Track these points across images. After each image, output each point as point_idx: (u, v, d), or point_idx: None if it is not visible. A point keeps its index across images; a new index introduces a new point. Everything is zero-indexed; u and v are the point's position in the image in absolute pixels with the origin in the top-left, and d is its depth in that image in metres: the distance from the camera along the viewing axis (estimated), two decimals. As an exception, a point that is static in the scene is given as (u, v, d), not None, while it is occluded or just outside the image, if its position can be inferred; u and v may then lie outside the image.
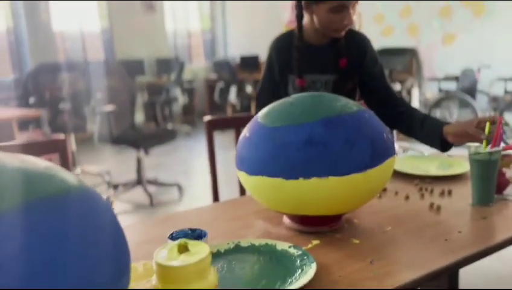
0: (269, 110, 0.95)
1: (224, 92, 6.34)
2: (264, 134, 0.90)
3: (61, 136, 2.62)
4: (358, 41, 1.41)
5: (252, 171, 0.90)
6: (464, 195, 1.14)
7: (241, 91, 6.32)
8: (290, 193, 0.86)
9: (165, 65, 6.71)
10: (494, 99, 4.83)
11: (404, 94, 4.50)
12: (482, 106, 4.83)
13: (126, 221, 3.20)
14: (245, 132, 0.96)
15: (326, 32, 1.32)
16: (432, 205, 1.08)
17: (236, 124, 1.68)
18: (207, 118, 1.72)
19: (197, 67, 7.50)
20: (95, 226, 0.47)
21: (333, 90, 1.38)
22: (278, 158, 0.85)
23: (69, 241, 0.43)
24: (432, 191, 1.19)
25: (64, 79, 4.22)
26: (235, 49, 7.68)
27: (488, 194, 1.06)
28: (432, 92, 5.27)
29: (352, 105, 0.92)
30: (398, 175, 1.32)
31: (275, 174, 0.86)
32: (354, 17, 1.27)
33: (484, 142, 1.06)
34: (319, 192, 0.84)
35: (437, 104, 5.01)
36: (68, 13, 6.02)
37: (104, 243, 0.47)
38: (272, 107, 0.95)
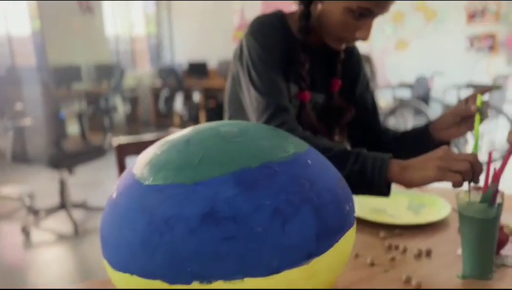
0: (153, 152, 0.58)
1: (170, 100, 5.89)
2: (138, 198, 0.52)
3: None
4: (354, 58, 1.12)
5: (117, 264, 0.52)
6: (448, 259, 0.82)
7: (188, 99, 5.90)
8: (177, 307, 0.49)
9: (105, 72, 6.19)
10: (448, 108, 4.70)
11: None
12: (436, 113, 4.70)
13: (45, 255, 2.73)
14: (114, 190, 0.59)
15: (328, 38, 0.97)
16: (408, 280, 0.74)
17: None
18: (117, 141, 1.35)
19: (141, 74, 7.01)
20: None
21: (321, 117, 1.06)
22: (157, 245, 0.48)
23: None
24: (404, 251, 0.85)
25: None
26: (182, 55, 7.25)
27: (485, 264, 0.74)
28: (386, 100, 5.09)
29: (286, 143, 0.57)
30: (358, 223, 0.98)
31: (151, 274, 0.49)
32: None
33: (477, 117, 0.84)
34: (229, 304, 0.48)
35: (392, 112, 4.84)
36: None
37: None
38: (158, 147, 0.58)
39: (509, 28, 4.57)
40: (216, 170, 0.51)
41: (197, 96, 5.93)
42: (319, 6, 0.95)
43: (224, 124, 0.60)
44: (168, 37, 7.45)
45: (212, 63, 6.68)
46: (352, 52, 1.13)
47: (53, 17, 5.83)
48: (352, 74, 1.12)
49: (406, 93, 4.95)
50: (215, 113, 6.35)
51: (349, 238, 0.56)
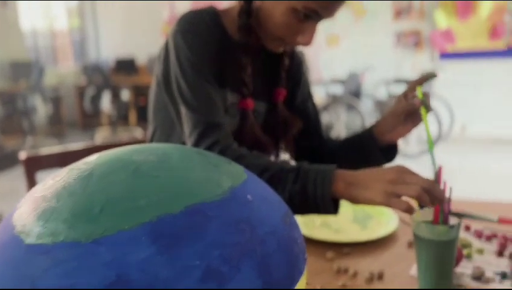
0: (38, 194, 0.43)
1: (96, 99, 5.53)
2: (15, 263, 0.38)
3: None
4: (296, 62, 1.03)
5: None
6: (402, 281, 0.75)
7: (116, 98, 5.58)
8: None
9: (22, 69, 5.68)
10: (378, 103, 4.83)
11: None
12: (367, 109, 4.81)
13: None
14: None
15: (266, 39, 0.87)
16: (362, 314, 0.65)
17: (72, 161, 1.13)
18: (24, 155, 1.17)
19: (64, 72, 6.53)
20: None
21: (265, 129, 0.96)
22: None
23: None
24: (355, 276, 0.77)
25: None
26: (108, 51, 6.86)
27: (444, 285, 0.67)
28: (319, 96, 5.13)
29: (219, 175, 0.45)
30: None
31: None
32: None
33: (422, 110, 0.79)
34: None
35: (325, 108, 4.89)
36: None
37: None
38: (45, 188, 0.44)
39: (433, 25, 4.77)
40: (125, 221, 0.37)
41: (125, 95, 5.62)
42: (259, 3, 0.84)
43: (139, 151, 0.46)
44: (93, 31, 7.01)
45: (141, 59, 6.38)
46: (293, 56, 1.02)
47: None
48: (293, 80, 1.03)
49: (338, 89, 5.02)
50: (146, 112, 6.07)
51: (300, 286, 0.46)
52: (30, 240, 0.38)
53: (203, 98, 0.83)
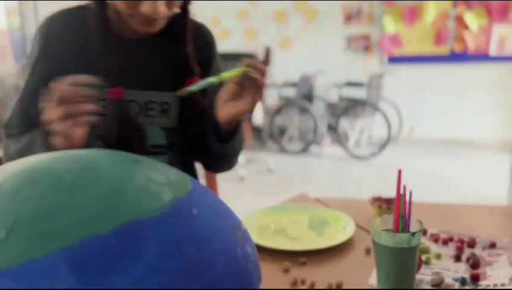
0: None
1: (40, 102, 5.23)
2: None
3: None
4: (204, 41, 0.98)
5: None
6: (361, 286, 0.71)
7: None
8: None
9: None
10: (330, 106, 4.89)
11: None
12: (320, 111, 4.86)
13: None
14: None
15: (127, 22, 0.83)
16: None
17: None
18: None
19: (3, 73, 6.15)
20: None
21: (182, 120, 0.92)
22: None
23: None
24: (312, 287, 0.73)
25: None
26: (53, 51, 6.54)
27: (406, 287, 0.64)
28: (272, 99, 5.13)
29: (159, 186, 0.38)
30: (258, 251, 0.83)
31: None
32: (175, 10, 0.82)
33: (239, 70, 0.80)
34: None
35: (278, 111, 4.89)
36: None
37: None
38: None
39: (381, 30, 4.90)
40: (38, 246, 0.30)
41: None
42: None
43: (61, 159, 0.39)
44: (34, 31, 6.67)
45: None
46: (199, 37, 0.96)
47: None
48: (203, 63, 0.94)
49: (291, 92, 5.04)
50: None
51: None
52: None
53: (23, 106, 0.87)
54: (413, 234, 0.60)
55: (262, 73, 0.81)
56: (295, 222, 0.97)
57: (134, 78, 0.88)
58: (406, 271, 0.63)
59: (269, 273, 0.77)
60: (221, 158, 0.96)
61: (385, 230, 0.63)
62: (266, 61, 0.86)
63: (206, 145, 0.92)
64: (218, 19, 5.52)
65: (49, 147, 0.71)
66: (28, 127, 0.84)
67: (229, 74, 0.81)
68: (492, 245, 0.83)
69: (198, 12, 5.59)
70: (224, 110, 0.84)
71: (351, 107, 4.61)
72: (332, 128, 4.80)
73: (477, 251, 0.82)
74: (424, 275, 0.74)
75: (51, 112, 0.68)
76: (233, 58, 4.74)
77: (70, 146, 0.69)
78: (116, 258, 0.31)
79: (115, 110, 0.84)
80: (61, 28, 0.87)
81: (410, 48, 4.82)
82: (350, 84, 4.81)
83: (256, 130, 5.06)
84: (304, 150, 4.79)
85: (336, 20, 5.07)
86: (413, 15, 4.71)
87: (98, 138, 0.82)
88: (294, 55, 5.30)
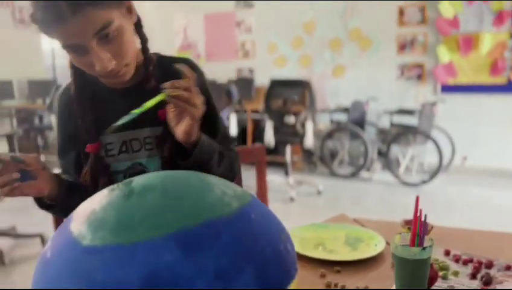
0: (88, 207, 0.56)
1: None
2: (73, 261, 0.50)
3: None
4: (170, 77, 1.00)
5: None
6: (384, 296, 0.85)
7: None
8: None
9: (40, 88, 5.88)
10: (381, 132, 4.95)
11: (299, 127, 4.39)
12: (370, 137, 4.92)
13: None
14: (48, 245, 0.56)
15: (102, 79, 0.98)
16: (346, 323, 0.76)
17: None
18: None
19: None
20: None
21: (151, 153, 1.03)
22: (93, 314, 0.46)
23: None
24: (343, 288, 0.88)
25: None
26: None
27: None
28: (324, 123, 5.27)
29: (231, 197, 0.57)
30: (298, 259, 1.00)
31: None
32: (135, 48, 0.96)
33: (163, 95, 0.83)
34: None
35: (329, 135, 5.01)
36: None
37: None
38: (94, 203, 0.56)
39: (435, 59, 4.93)
40: (156, 230, 0.50)
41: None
42: None
43: (168, 175, 0.59)
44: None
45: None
46: (173, 68, 0.97)
47: (-19, 29, 5.50)
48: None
49: (342, 117, 5.15)
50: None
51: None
52: (86, 242, 0.50)
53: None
54: (424, 248, 0.75)
55: (186, 88, 0.84)
56: (333, 238, 1.12)
57: (106, 122, 0.93)
58: (418, 280, 0.77)
59: (308, 277, 0.93)
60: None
61: (402, 245, 0.77)
62: (187, 76, 0.86)
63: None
64: (275, 46, 5.78)
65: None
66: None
67: (151, 102, 0.83)
68: (508, 268, 0.94)
69: (257, 39, 5.88)
70: (177, 134, 0.91)
71: (403, 134, 4.65)
72: (382, 155, 4.84)
73: (493, 271, 0.93)
74: (439, 288, 0.87)
75: None
76: (288, 84, 4.92)
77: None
78: (203, 242, 0.50)
79: (92, 161, 1.00)
80: (65, 98, 1.06)
81: (464, 77, 4.80)
82: (402, 111, 4.86)
83: (307, 153, 5.20)
84: (354, 174, 4.86)
85: (390, 49, 5.16)
86: (468, 45, 4.71)
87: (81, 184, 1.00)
88: (347, 81, 5.42)
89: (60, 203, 0.98)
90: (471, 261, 0.98)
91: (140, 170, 1.03)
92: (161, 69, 1.04)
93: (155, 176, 0.59)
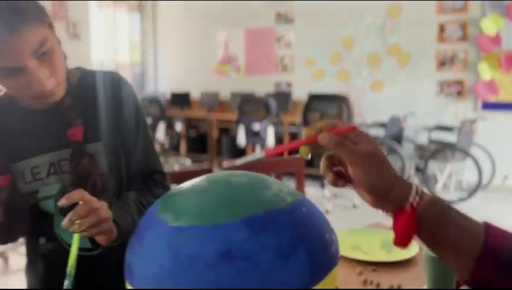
0: (172, 197, 0.69)
1: (152, 128, 5.97)
2: (163, 237, 0.63)
3: None
4: (106, 94, 0.99)
5: (142, 288, 0.63)
6: (415, 293, 0.95)
7: (170, 128, 6.01)
8: (196, 329, 0.60)
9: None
10: (419, 148, 4.95)
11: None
12: (408, 152, 4.93)
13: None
14: (139, 226, 0.70)
15: (33, 103, 0.92)
16: (380, 312, 0.86)
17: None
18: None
19: (124, 101, 7.08)
20: None
21: (77, 173, 0.93)
22: (180, 278, 0.59)
23: None
24: (378, 285, 0.98)
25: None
26: (165, 85, 7.39)
27: (446, 297, 0.87)
28: (361, 137, 5.30)
29: (285, 194, 0.69)
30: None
31: (175, 300, 0.59)
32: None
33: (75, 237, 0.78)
34: (239, 327, 0.59)
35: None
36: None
37: None
38: (177, 193, 0.70)
39: (476, 76, 4.90)
40: (231, 216, 0.62)
41: (179, 126, 6.04)
42: None
43: (234, 175, 0.72)
44: (153, 66, 7.59)
45: (195, 94, 6.83)
46: (116, 90, 1.00)
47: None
48: (115, 113, 0.99)
49: (380, 132, 5.18)
50: (196, 143, 6.46)
51: (334, 276, 0.68)
52: (170, 222, 0.64)
53: None
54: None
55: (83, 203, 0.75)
56: (369, 242, 1.22)
57: (43, 141, 0.93)
58: (446, 279, 0.86)
59: (346, 275, 1.04)
60: None
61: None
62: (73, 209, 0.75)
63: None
64: (314, 61, 5.90)
65: None
66: None
67: (73, 248, 0.77)
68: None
69: (296, 54, 6.00)
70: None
71: (441, 150, 4.63)
72: (420, 170, 4.83)
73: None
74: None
75: None
76: (326, 98, 4.99)
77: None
78: (267, 226, 0.62)
79: (7, 195, 0.88)
80: None
81: (506, 95, 4.74)
82: (441, 127, 4.85)
83: (343, 167, 5.25)
84: (390, 189, 4.86)
85: (429, 65, 5.17)
86: (510, 62, 4.66)
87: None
88: (385, 97, 5.46)
89: None
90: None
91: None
92: (83, 85, 0.98)
93: (224, 174, 0.72)
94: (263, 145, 5.02)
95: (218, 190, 0.67)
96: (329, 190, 4.48)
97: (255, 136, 5.04)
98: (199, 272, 0.59)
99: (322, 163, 0.64)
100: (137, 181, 1.03)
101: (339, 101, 4.78)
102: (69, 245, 0.79)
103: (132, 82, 7.37)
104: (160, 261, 0.61)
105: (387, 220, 0.94)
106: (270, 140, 5.02)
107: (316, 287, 0.63)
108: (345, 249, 1.16)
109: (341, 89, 5.56)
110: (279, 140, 5.39)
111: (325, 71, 5.83)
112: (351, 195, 4.54)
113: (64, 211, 0.77)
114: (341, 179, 0.64)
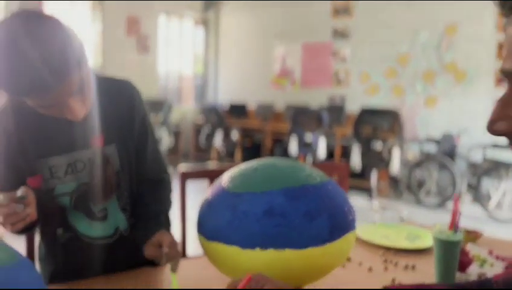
0: (234, 173, 0.94)
1: (211, 136, 6.36)
2: (225, 200, 0.89)
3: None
4: (121, 100, 1.09)
5: (210, 236, 0.88)
6: (427, 272, 1.13)
7: (226, 137, 6.36)
8: (245, 262, 0.84)
9: (154, 106, 6.74)
10: (472, 165, 4.92)
11: (385, 154, 4.57)
12: (461, 170, 4.92)
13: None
14: (208, 193, 0.95)
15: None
16: (393, 281, 1.06)
17: (210, 176, 1.68)
18: (181, 168, 1.72)
19: (186, 110, 7.56)
20: None
21: (94, 173, 1.05)
22: (237, 226, 0.84)
23: None
24: (396, 264, 1.17)
25: None
26: (224, 95, 7.79)
27: (449, 274, 1.05)
28: (413, 152, 5.36)
29: (316, 175, 0.92)
30: (365, 245, 1.31)
31: (231, 242, 0.84)
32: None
33: (172, 275, 0.95)
34: (275, 263, 0.83)
35: (417, 164, 5.10)
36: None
37: None
38: (236, 171, 0.95)
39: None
40: (274, 186, 0.87)
41: (235, 135, 6.37)
42: None
43: (278, 160, 0.96)
44: (213, 78, 8.04)
45: (251, 105, 7.16)
46: (114, 93, 1.09)
47: (113, 55, 6.51)
48: (127, 120, 1.09)
49: (432, 148, 5.20)
50: (250, 152, 6.76)
51: (350, 238, 0.90)
52: (231, 190, 0.89)
53: None
54: (455, 231, 1.02)
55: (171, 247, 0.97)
56: (397, 233, 1.41)
57: (72, 141, 1.01)
58: (449, 261, 1.04)
59: (371, 255, 1.24)
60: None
61: (440, 229, 1.05)
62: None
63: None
64: (368, 76, 6.03)
65: None
66: None
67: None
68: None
69: (350, 69, 6.16)
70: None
71: (495, 168, 4.59)
72: (472, 188, 4.80)
73: (524, 267, 1.16)
74: (471, 276, 1.12)
75: None
76: (378, 113, 5.11)
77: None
78: (300, 195, 0.85)
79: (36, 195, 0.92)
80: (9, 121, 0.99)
81: None
82: (496, 146, 4.80)
83: (393, 180, 5.32)
84: (441, 204, 4.88)
85: (487, 82, 5.14)
86: None
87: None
88: (438, 112, 5.47)
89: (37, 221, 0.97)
90: (508, 259, 1.21)
91: (86, 190, 1.04)
92: (101, 92, 1.03)
93: (271, 159, 0.97)
94: (314, 155, 5.21)
95: (266, 169, 0.92)
96: (378, 202, 4.59)
97: (306, 147, 5.24)
98: (249, 223, 0.83)
99: None
100: (150, 179, 1.16)
101: (390, 116, 4.88)
102: (83, 235, 1.07)
103: (194, 92, 7.89)
104: (224, 214, 0.86)
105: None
106: (322, 151, 5.20)
107: (333, 243, 0.85)
108: (375, 237, 1.36)
109: (395, 104, 5.64)
110: (330, 151, 5.56)
111: (379, 85, 5.93)
112: (399, 208, 4.61)
113: (78, 207, 1.04)
114: None
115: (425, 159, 5.09)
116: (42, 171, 1.00)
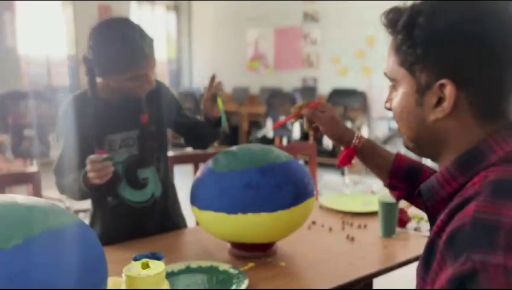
0: (218, 157, 1.19)
1: (188, 121, 6.54)
2: (213, 177, 1.14)
3: (34, 168, 2.72)
4: (157, 94, 1.41)
5: (202, 206, 1.13)
6: (375, 229, 1.41)
7: (204, 121, 6.55)
8: (231, 225, 1.10)
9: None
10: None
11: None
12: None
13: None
14: (199, 173, 1.20)
15: (128, 95, 1.32)
16: (348, 236, 1.34)
17: (195, 160, 1.92)
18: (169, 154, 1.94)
19: (162, 96, 7.68)
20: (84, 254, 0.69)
21: (141, 146, 1.36)
22: (223, 197, 1.09)
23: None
24: (351, 225, 1.45)
25: (29, 105, 4.29)
26: (199, 81, 7.96)
27: (390, 229, 1.34)
28: (381, 130, 5.70)
29: (283, 156, 1.18)
30: (328, 211, 1.59)
31: (220, 210, 1.09)
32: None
33: (219, 100, 1.41)
34: (254, 225, 1.08)
35: (386, 141, 5.44)
36: (35, 38, 6.12)
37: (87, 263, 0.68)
38: (220, 155, 1.20)
39: None
40: (250, 166, 1.12)
41: (212, 119, 6.56)
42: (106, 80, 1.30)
43: (254, 145, 1.21)
44: (188, 63, 8.18)
45: (227, 89, 7.35)
46: (159, 92, 1.41)
47: (86, 43, 6.55)
48: (156, 104, 1.40)
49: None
50: (228, 135, 6.98)
51: (310, 203, 1.16)
52: (218, 170, 1.14)
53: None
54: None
55: (217, 88, 1.38)
56: (354, 201, 1.69)
57: (120, 123, 1.33)
58: (390, 219, 1.33)
59: (331, 219, 1.51)
60: (211, 138, 1.53)
61: (383, 195, 1.33)
62: (211, 84, 1.38)
63: (202, 134, 1.50)
64: (338, 58, 6.31)
65: (86, 182, 1.21)
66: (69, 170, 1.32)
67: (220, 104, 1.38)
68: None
69: (321, 51, 6.41)
70: (210, 112, 1.42)
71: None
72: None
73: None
74: (409, 229, 1.41)
75: (89, 174, 1.17)
76: (348, 93, 5.38)
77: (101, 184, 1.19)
78: (269, 170, 1.10)
79: None
80: (79, 104, 1.32)
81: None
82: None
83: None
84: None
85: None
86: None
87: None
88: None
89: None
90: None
91: (134, 160, 1.35)
92: None
93: (248, 145, 1.22)
94: (290, 137, 5.49)
95: (243, 152, 1.17)
96: (349, 178, 4.92)
97: (282, 129, 5.51)
98: (233, 194, 1.09)
99: (306, 125, 1.09)
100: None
101: (360, 96, 5.18)
102: (127, 199, 1.35)
103: (169, 78, 8.01)
104: (213, 189, 1.12)
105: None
106: (296, 132, 5.48)
107: (297, 206, 1.11)
108: (334, 204, 1.63)
109: (364, 84, 5.94)
110: (304, 132, 5.85)
111: (349, 67, 6.22)
112: (369, 182, 4.95)
113: (127, 174, 1.35)
114: (317, 132, 1.09)
115: (393, 135, 5.43)
116: (104, 145, 1.32)
